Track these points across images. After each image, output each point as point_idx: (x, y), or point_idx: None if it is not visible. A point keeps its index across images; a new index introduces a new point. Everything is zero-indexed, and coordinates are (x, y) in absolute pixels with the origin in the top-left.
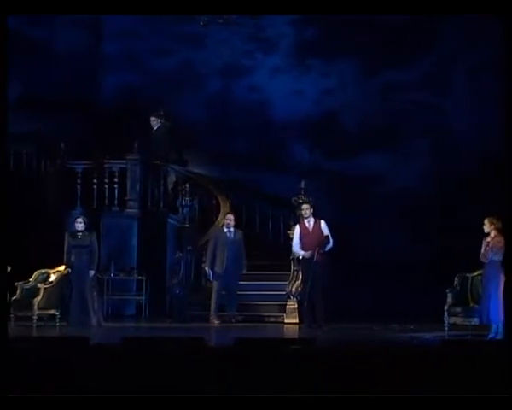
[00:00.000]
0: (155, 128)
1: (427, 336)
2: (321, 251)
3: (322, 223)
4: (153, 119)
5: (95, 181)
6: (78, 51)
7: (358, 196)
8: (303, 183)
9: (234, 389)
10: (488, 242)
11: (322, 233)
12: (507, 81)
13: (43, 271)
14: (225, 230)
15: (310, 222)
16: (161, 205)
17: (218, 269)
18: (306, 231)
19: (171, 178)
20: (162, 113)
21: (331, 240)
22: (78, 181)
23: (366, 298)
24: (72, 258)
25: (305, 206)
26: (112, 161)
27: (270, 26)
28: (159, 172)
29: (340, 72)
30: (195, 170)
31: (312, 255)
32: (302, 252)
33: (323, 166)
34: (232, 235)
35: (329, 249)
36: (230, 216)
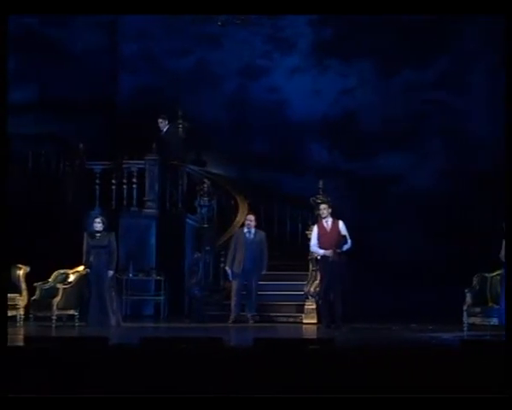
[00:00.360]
0: (164, 130)
1: (446, 336)
2: (338, 251)
3: (340, 223)
4: (160, 121)
5: (113, 181)
6: (96, 52)
7: (376, 196)
8: (321, 183)
9: (252, 390)
10: None
11: (340, 233)
12: (507, 81)
13: (62, 271)
14: (245, 230)
15: (328, 222)
16: (180, 205)
17: (235, 269)
18: (324, 230)
19: (190, 179)
20: (167, 116)
21: (349, 240)
22: (97, 181)
23: (384, 298)
24: (91, 258)
25: (322, 206)
26: (130, 162)
27: (288, 26)
28: (177, 172)
29: (358, 72)
30: (214, 170)
31: (329, 255)
32: (320, 251)
33: (341, 166)
34: (252, 235)
35: (347, 249)
36: (251, 217)
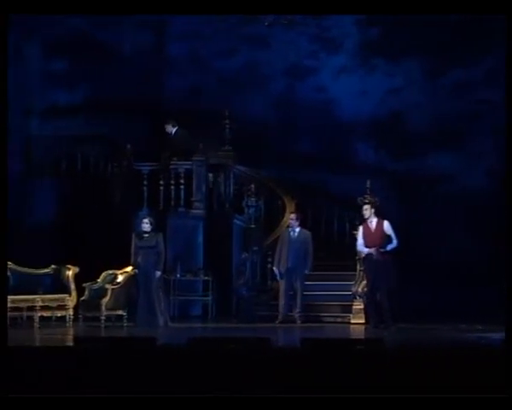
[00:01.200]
0: (172, 133)
1: (496, 336)
2: (381, 250)
3: (385, 223)
4: (167, 126)
5: (161, 182)
6: (144, 53)
7: (423, 196)
8: (368, 183)
9: (300, 389)
10: None
11: (385, 233)
12: (507, 81)
13: (110, 272)
14: (289, 229)
15: (372, 222)
16: (227, 206)
17: (281, 268)
18: (369, 230)
19: (237, 179)
20: (174, 121)
21: (394, 240)
22: (145, 182)
23: (433, 298)
24: (139, 259)
25: (365, 206)
26: (178, 163)
27: (334, 26)
28: (224, 172)
29: (405, 71)
30: (261, 170)
31: (373, 254)
32: (365, 250)
33: (388, 166)
34: (295, 234)
35: (392, 249)
36: (293, 216)
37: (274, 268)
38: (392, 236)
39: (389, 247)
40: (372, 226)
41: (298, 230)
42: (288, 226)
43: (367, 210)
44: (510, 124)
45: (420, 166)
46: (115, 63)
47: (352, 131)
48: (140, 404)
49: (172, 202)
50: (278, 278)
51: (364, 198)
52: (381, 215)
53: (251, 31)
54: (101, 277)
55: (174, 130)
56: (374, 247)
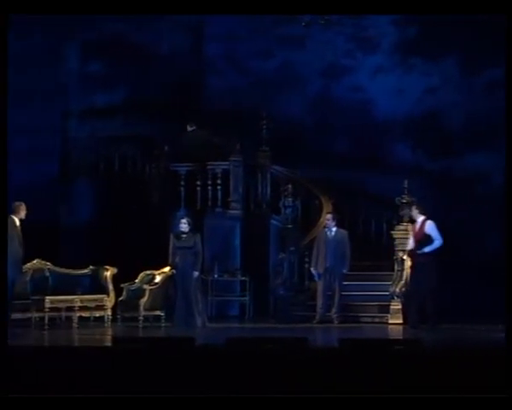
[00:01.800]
0: (190, 129)
1: None
2: (418, 251)
3: (427, 223)
4: (188, 127)
5: (198, 183)
6: (182, 54)
7: (461, 196)
8: (406, 182)
9: (338, 389)
10: None
11: (425, 233)
12: (507, 81)
13: (148, 272)
14: (325, 229)
15: (417, 222)
16: (264, 206)
17: (319, 269)
18: (413, 231)
19: (274, 179)
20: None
21: (435, 241)
22: (182, 183)
23: (472, 298)
24: (177, 259)
25: (413, 207)
26: (215, 163)
27: (371, 25)
28: (261, 173)
29: (442, 70)
30: (298, 171)
31: (411, 255)
32: (408, 248)
33: (426, 166)
34: (332, 234)
35: (432, 250)
36: (329, 216)
37: (312, 269)
38: (434, 236)
39: (427, 248)
40: (416, 227)
41: (335, 230)
42: (325, 226)
43: (412, 211)
44: (510, 124)
45: (457, 165)
46: (153, 64)
47: (389, 131)
48: (178, 404)
49: (209, 203)
50: (316, 278)
51: (402, 198)
52: (426, 215)
53: (288, 31)
54: (139, 277)
55: (191, 130)
56: (413, 246)
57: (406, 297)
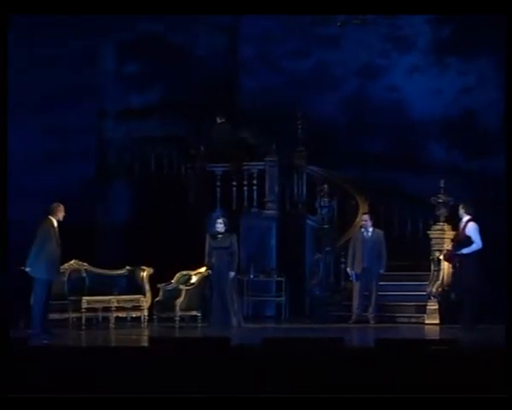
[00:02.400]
0: (219, 122)
1: None
2: (456, 252)
3: (469, 225)
4: (218, 119)
5: (234, 183)
6: (217, 55)
7: (497, 196)
8: (442, 182)
9: (375, 389)
10: None
11: (465, 235)
12: (507, 81)
13: (184, 272)
14: (362, 230)
15: (461, 223)
16: (300, 206)
17: (356, 269)
18: (457, 231)
19: (310, 180)
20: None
21: (474, 244)
22: (218, 183)
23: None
24: (213, 259)
25: (460, 207)
26: (250, 164)
27: (406, 25)
28: (297, 173)
29: (478, 69)
30: (334, 171)
31: (449, 256)
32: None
33: (462, 166)
34: (369, 234)
35: (470, 253)
36: (366, 216)
37: (348, 269)
38: (473, 238)
39: (465, 250)
40: (460, 227)
41: (371, 230)
42: (361, 227)
43: (459, 210)
44: (510, 124)
45: (494, 165)
46: (188, 65)
47: (425, 131)
48: (213, 404)
49: (245, 203)
50: (353, 279)
51: (438, 198)
52: (472, 217)
53: (322, 31)
54: (176, 277)
55: (220, 122)
56: (453, 246)
57: (443, 297)
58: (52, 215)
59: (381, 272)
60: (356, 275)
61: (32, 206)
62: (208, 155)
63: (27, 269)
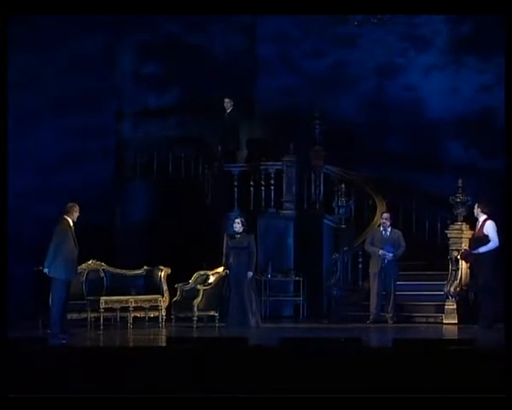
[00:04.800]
0: (228, 111)
1: None
2: (473, 251)
3: (487, 224)
4: (227, 100)
5: (251, 183)
6: (235, 55)
7: None
8: (460, 181)
9: (393, 390)
10: None
11: (483, 234)
12: (507, 81)
13: (202, 272)
14: (381, 229)
15: (478, 222)
16: (317, 206)
17: (373, 269)
18: (474, 230)
19: (327, 179)
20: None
21: (491, 243)
22: (235, 183)
23: None
24: (231, 259)
25: (475, 205)
26: (268, 163)
27: (423, 24)
28: (315, 173)
29: (496, 68)
30: (351, 170)
31: (466, 254)
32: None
33: (480, 165)
34: (388, 234)
35: (486, 251)
36: (386, 215)
37: (380, 252)
38: (490, 237)
39: (482, 248)
40: (477, 226)
41: (389, 229)
42: (379, 226)
43: (475, 209)
44: (510, 124)
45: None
46: (207, 65)
47: (443, 130)
48: (231, 404)
49: (263, 203)
50: (387, 257)
51: (456, 197)
52: (489, 215)
53: (340, 31)
54: (193, 277)
55: (229, 109)
56: (471, 245)
57: (461, 296)
58: (68, 215)
59: (399, 272)
60: (373, 274)
61: (55, 205)
62: (227, 156)
63: (45, 270)
